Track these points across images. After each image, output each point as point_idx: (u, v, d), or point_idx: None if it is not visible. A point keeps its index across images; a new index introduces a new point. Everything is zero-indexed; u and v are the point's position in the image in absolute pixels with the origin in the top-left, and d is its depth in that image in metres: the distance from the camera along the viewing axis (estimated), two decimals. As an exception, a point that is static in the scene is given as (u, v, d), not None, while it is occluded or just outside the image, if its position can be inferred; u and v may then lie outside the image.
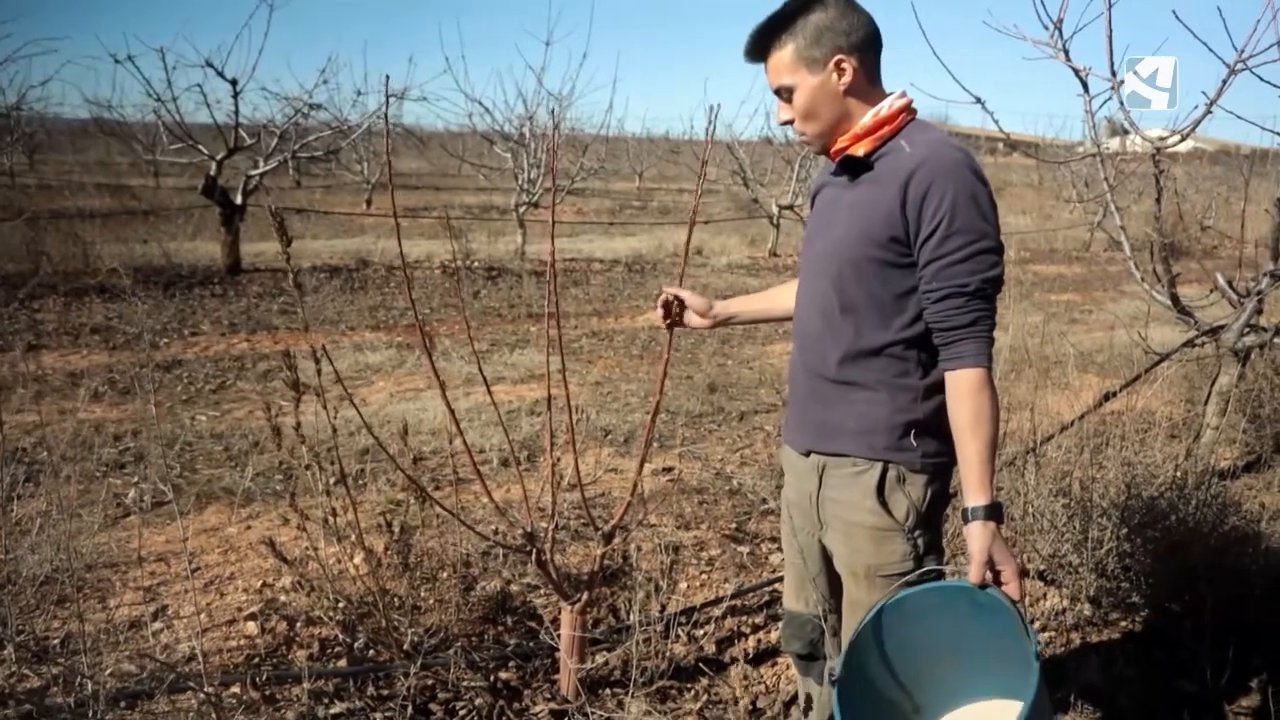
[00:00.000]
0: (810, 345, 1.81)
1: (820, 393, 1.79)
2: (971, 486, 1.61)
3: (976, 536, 1.58)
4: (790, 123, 1.75)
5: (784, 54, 1.67)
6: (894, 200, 1.61)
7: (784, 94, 1.72)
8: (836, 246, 1.72)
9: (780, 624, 2.17)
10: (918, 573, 1.70)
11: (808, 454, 1.85)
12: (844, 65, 1.65)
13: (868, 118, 1.68)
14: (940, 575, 1.72)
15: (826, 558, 1.91)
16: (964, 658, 1.69)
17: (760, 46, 1.71)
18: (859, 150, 1.68)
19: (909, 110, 1.71)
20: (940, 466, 1.73)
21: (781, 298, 2.08)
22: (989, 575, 1.57)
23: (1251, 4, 2.99)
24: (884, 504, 1.72)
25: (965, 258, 1.58)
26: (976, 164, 1.63)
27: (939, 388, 1.68)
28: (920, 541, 1.74)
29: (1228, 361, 3.88)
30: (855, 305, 1.70)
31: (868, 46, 1.67)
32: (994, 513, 1.59)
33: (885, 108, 1.68)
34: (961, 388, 1.62)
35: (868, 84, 1.69)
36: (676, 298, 2.09)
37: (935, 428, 1.70)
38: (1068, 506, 3.01)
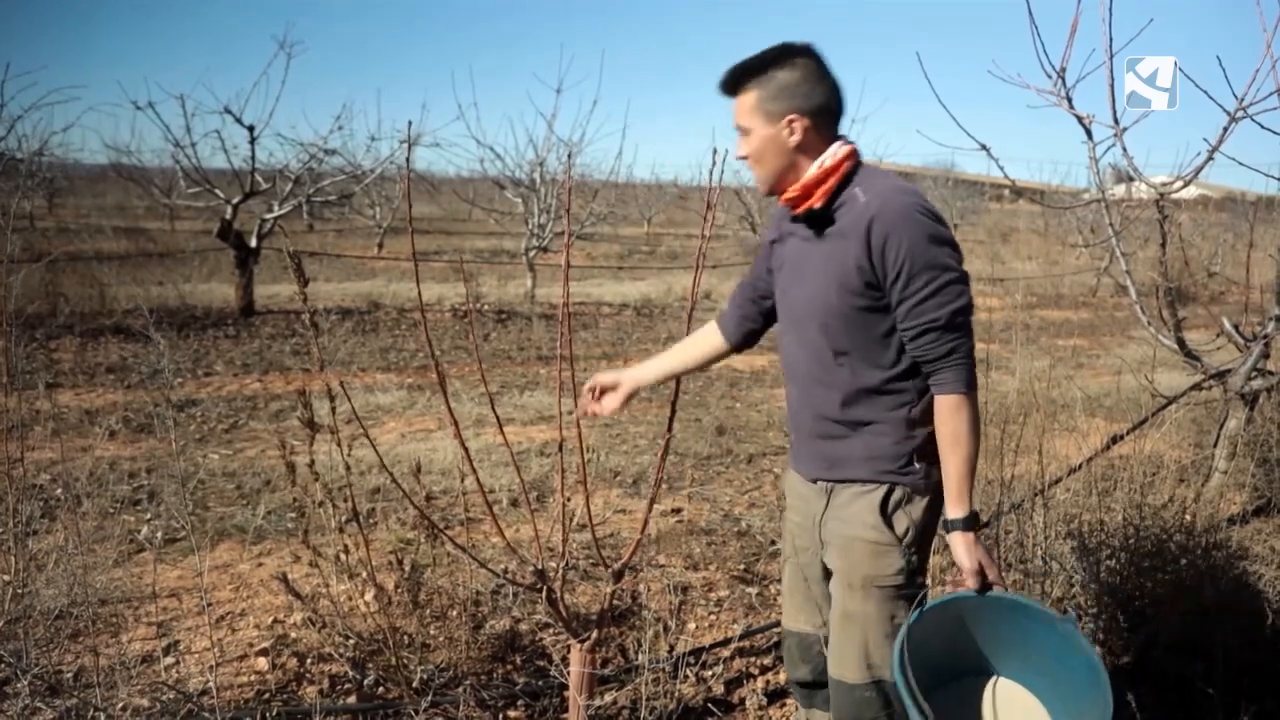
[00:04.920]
0: (810, 388, 1.90)
1: (826, 431, 1.89)
2: (951, 499, 1.77)
3: (960, 546, 1.75)
4: (745, 158, 1.87)
5: (747, 99, 1.80)
6: (860, 251, 1.72)
7: (742, 132, 1.84)
8: (819, 301, 1.82)
9: (784, 652, 2.19)
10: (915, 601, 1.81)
11: (815, 480, 1.94)
12: (795, 125, 1.77)
13: (814, 169, 1.78)
14: (924, 590, 1.86)
15: (827, 578, 2.00)
16: (988, 649, 1.86)
17: (730, 85, 1.82)
18: (816, 204, 1.79)
19: (853, 157, 1.80)
20: (939, 487, 1.83)
21: (689, 351, 2.20)
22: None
23: (1250, 53, 3.06)
24: (887, 521, 1.83)
25: (932, 294, 1.70)
26: (927, 203, 1.74)
27: (933, 414, 1.81)
28: (914, 558, 1.85)
29: (1235, 405, 3.89)
30: (847, 350, 1.81)
31: (824, 112, 1.79)
32: (972, 523, 1.76)
33: (829, 158, 1.78)
34: (942, 412, 1.76)
35: (817, 143, 1.80)
36: (596, 386, 2.19)
37: (935, 452, 1.81)
38: (1076, 549, 3.01)
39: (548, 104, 21.44)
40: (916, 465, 1.82)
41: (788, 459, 2.07)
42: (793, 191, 1.81)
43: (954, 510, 1.76)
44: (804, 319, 1.87)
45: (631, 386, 2.17)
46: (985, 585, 1.75)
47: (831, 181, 1.78)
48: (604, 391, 2.19)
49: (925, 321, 1.71)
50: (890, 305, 1.75)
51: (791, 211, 1.86)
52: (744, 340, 2.16)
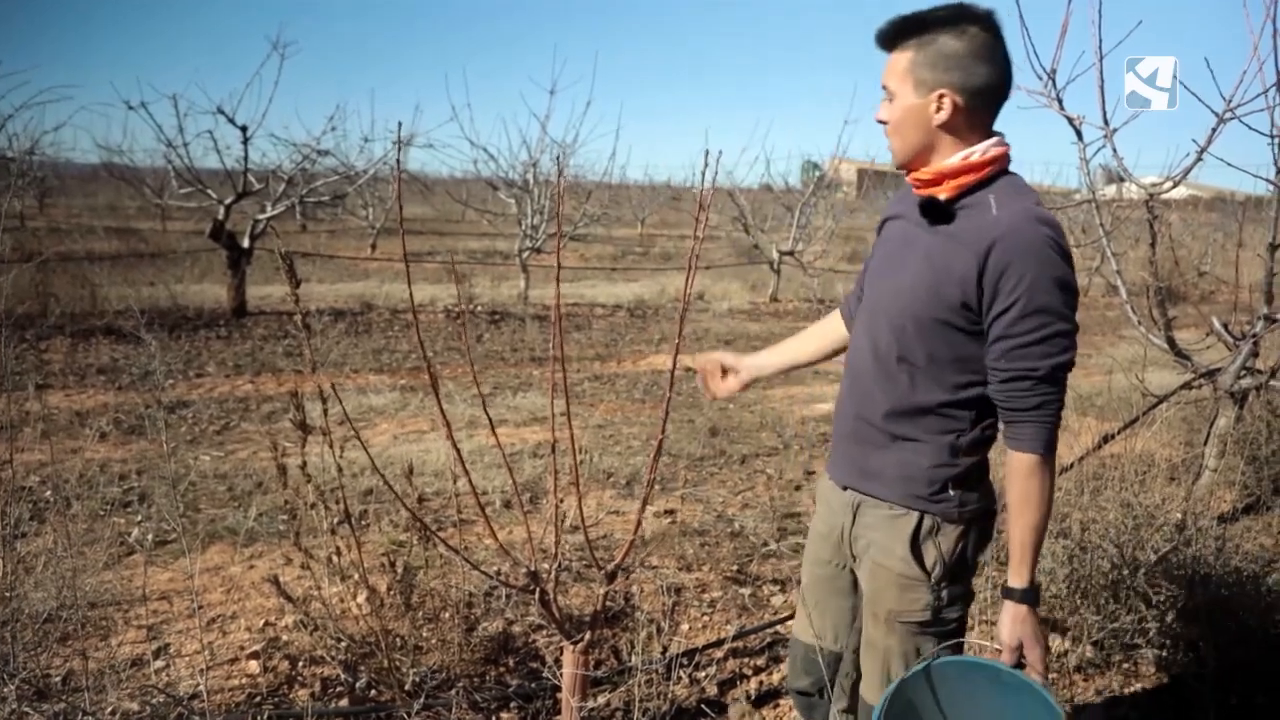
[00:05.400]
0: (860, 384, 1.78)
1: (863, 435, 1.78)
2: (1012, 566, 1.62)
3: (1009, 620, 1.62)
4: (884, 123, 1.69)
5: (901, 59, 1.61)
6: (971, 267, 1.54)
7: (886, 94, 1.66)
8: (904, 297, 1.66)
9: (788, 659, 2.10)
10: (942, 647, 1.71)
11: (845, 488, 1.84)
12: (944, 101, 1.58)
13: (956, 158, 1.60)
14: (962, 628, 1.72)
15: (851, 594, 1.90)
16: None
17: (886, 38, 1.64)
18: (941, 194, 1.62)
19: (1002, 161, 1.63)
20: (976, 514, 1.71)
21: (811, 343, 2.10)
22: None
23: (1239, 55, 3.07)
24: (916, 554, 1.70)
25: (1038, 340, 1.53)
26: (1062, 240, 1.55)
27: (983, 443, 1.69)
28: (945, 593, 1.72)
29: (1225, 404, 3.91)
30: (913, 359, 1.66)
31: (984, 94, 1.59)
32: (1029, 596, 1.61)
33: (976, 153, 1.60)
34: (1015, 469, 1.59)
35: (967, 128, 1.61)
36: (716, 364, 2.10)
37: (976, 480, 1.70)
38: (1068, 548, 3.02)
39: (541, 105, 21.46)
40: (951, 492, 1.67)
41: (827, 463, 1.97)
42: (924, 174, 1.63)
43: (1013, 579, 1.61)
44: (880, 310, 1.72)
45: (750, 376, 2.09)
46: (1019, 664, 1.61)
47: (969, 179, 1.59)
48: (725, 371, 2.11)
49: (1023, 368, 1.55)
50: (981, 333, 1.59)
51: (914, 191, 1.69)
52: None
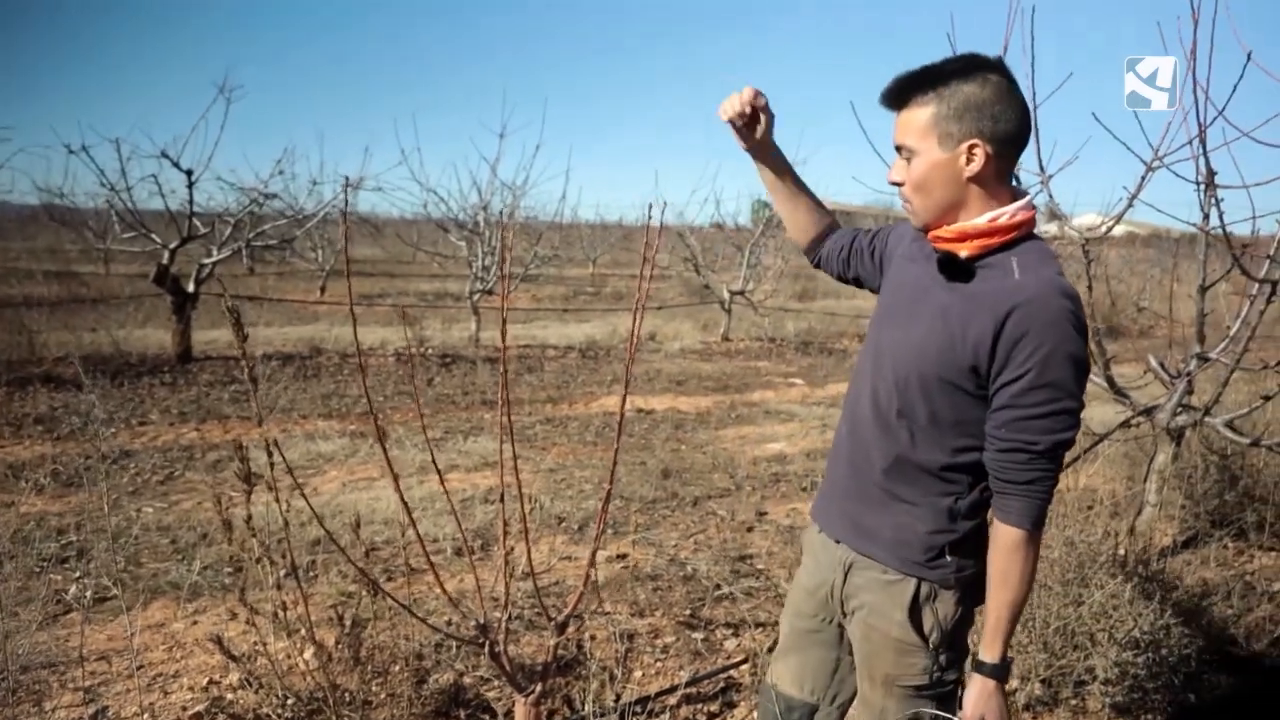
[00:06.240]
0: (859, 434, 1.74)
1: (859, 491, 1.74)
2: (985, 639, 1.59)
3: (975, 693, 1.60)
4: (899, 184, 1.63)
5: (920, 114, 1.54)
6: (986, 331, 1.51)
7: (903, 153, 1.59)
8: (913, 352, 1.62)
9: (759, 708, 2.04)
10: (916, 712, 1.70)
11: (837, 542, 1.80)
12: (976, 152, 1.52)
13: (983, 220, 1.56)
14: (959, 687, 1.71)
15: (835, 647, 1.88)
16: None
17: (900, 96, 1.57)
18: (962, 251, 1.57)
19: (1028, 225, 1.58)
20: (973, 578, 1.68)
21: (792, 193, 1.95)
22: None
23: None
24: (914, 620, 1.68)
25: (1043, 415, 1.50)
26: (1081, 314, 1.51)
27: (983, 505, 1.66)
28: (943, 658, 1.70)
29: (1163, 441, 4.02)
30: (914, 416, 1.63)
31: (1010, 141, 1.54)
32: (999, 672, 1.59)
33: (1005, 216, 1.55)
34: (999, 542, 1.57)
35: (995, 179, 1.56)
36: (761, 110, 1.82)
37: (973, 545, 1.67)
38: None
39: (491, 148, 21.60)
40: (948, 558, 1.64)
41: (814, 511, 1.91)
42: (947, 234, 1.59)
43: (986, 653, 1.58)
44: (884, 360, 1.68)
45: (758, 142, 1.84)
46: None
47: (994, 241, 1.55)
48: (755, 114, 1.81)
49: (1022, 440, 1.52)
50: (985, 398, 1.56)
51: (932, 245, 1.63)
52: (817, 243, 1.98)
